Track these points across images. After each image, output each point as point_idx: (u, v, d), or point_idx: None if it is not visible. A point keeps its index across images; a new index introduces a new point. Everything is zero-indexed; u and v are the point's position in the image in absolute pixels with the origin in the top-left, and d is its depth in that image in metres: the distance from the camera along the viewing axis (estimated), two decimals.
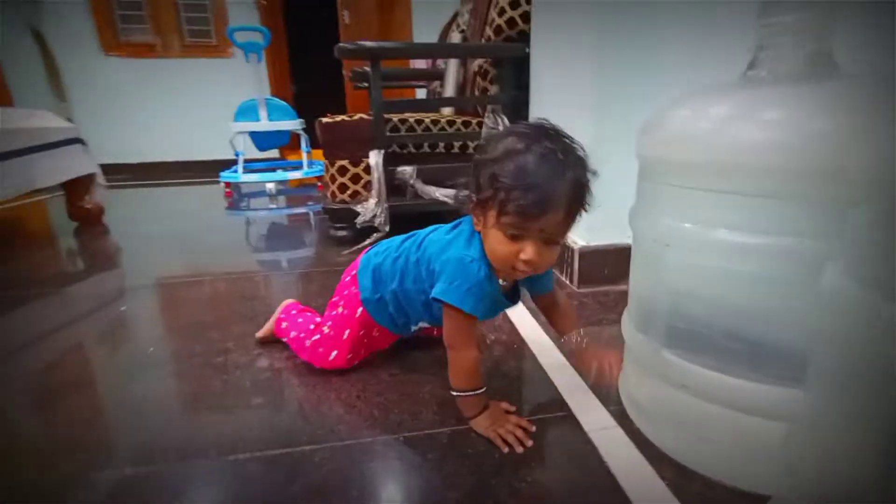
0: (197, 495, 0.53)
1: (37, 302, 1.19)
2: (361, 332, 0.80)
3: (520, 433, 0.64)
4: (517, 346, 0.91)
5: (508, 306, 0.73)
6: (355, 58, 1.48)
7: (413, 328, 0.80)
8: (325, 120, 1.55)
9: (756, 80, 0.51)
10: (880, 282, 0.33)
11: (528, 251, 0.57)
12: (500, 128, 1.63)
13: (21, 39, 3.28)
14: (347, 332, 0.79)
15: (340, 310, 0.81)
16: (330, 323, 0.82)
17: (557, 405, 0.72)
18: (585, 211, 0.59)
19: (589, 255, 1.16)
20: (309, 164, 2.76)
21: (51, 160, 1.84)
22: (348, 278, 0.82)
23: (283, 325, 0.89)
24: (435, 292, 0.64)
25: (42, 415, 0.70)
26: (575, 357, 0.80)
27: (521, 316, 1.03)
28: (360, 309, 0.79)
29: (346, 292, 0.81)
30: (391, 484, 0.59)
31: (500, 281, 0.68)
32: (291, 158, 3.24)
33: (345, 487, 0.56)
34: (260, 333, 0.92)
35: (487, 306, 0.66)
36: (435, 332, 0.86)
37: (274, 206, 2.57)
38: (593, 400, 0.73)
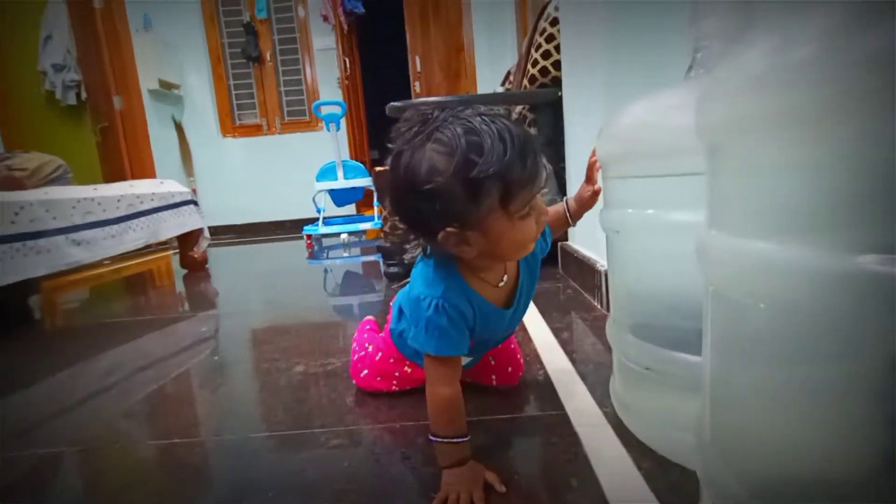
0: None
1: (151, 331, 1.44)
2: (391, 360, 0.79)
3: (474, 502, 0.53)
4: (528, 356, 0.94)
5: (516, 313, 0.65)
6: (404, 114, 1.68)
7: None
8: (378, 168, 1.76)
9: (694, 79, 0.56)
10: (738, 222, 0.33)
11: (542, 208, 0.53)
12: None
13: (166, 129, 4.11)
14: (380, 354, 0.81)
15: (382, 333, 0.83)
16: (371, 342, 0.84)
17: (551, 405, 0.74)
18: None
19: None
20: (380, 217, 3.02)
21: (173, 217, 2.27)
22: None
23: (354, 340, 0.90)
24: (408, 337, 0.61)
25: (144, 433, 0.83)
26: None
27: (536, 324, 1.05)
28: None
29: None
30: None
31: (500, 283, 0.60)
32: (365, 213, 3.56)
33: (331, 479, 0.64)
34: None
35: (472, 331, 0.59)
36: (493, 383, 0.80)
37: (347, 254, 2.83)
38: (590, 402, 0.73)
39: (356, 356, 0.85)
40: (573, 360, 0.90)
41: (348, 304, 1.69)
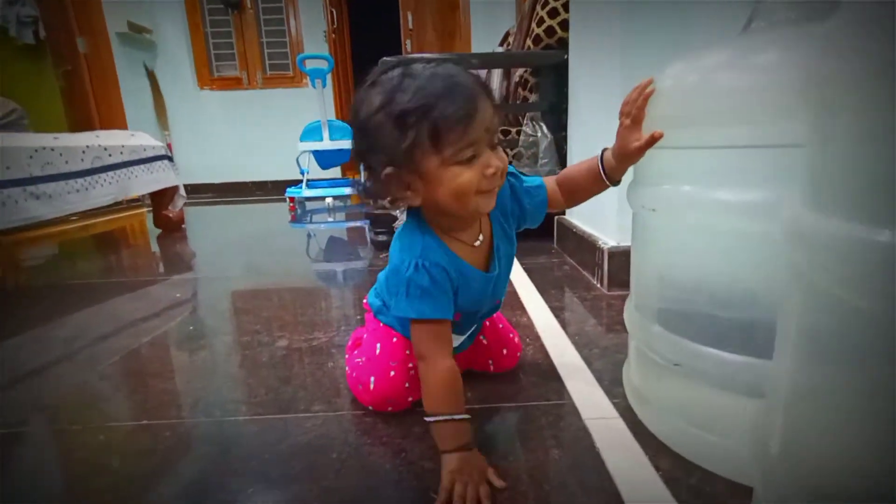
0: None
1: (121, 294, 1.35)
2: (395, 340, 0.66)
3: (481, 499, 0.48)
4: (529, 338, 0.88)
5: (499, 277, 0.61)
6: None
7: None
8: None
9: (753, 31, 0.48)
10: (851, 204, 0.28)
11: (490, 161, 0.49)
12: (540, 135, 1.63)
13: (138, 78, 3.83)
14: (378, 345, 0.67)
15: (365, 336, 0.72)
16: (357, 351, 0.71)
17: (557, 394, 0.69)
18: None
19: (619, 255, 1.11)
20: None
21: (145, 173, 2.11)
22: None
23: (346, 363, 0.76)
24: (392, 309, 0.57)
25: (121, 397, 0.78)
26: None
27: (534, 303, 1.00)
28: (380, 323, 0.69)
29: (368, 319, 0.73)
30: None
31: (475, 241, 0.57)
32: (352, 177, 3.43)
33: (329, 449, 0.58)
34: None
35: (456, 296, 0.56)
36: (491, 368, 0.75)
37: (331, 219, 2.72)
38: (598, 392, 0.69)
39: (353, 374, 0.69)
40: (575, 343, 0.85)
41: (332, 270, 1.61)
